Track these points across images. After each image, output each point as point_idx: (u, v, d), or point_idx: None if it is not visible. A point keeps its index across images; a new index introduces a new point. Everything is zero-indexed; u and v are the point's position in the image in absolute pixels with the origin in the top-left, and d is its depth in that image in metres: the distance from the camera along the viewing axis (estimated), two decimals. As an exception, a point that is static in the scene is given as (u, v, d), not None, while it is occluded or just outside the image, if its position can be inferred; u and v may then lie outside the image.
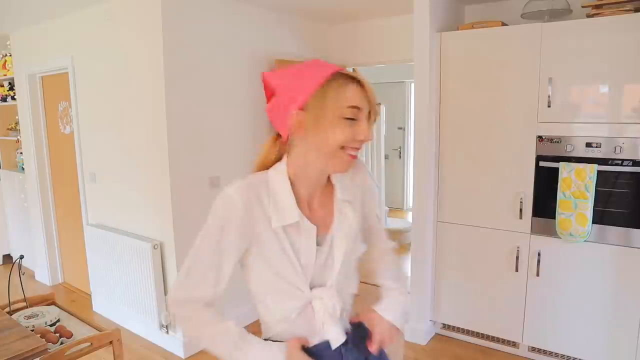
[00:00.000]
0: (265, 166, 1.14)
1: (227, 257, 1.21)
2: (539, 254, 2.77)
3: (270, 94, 1.10)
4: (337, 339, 1.12)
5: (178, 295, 1.20)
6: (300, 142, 1.07)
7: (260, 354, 1.15)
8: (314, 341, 1.14)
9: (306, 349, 1.12)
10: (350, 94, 1.02)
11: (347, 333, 1.15)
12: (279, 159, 1.14)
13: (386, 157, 6.26)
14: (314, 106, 1.01)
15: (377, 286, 1.32)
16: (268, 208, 1.08)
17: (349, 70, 1.06)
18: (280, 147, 1.14)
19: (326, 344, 1.12)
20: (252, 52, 3.35)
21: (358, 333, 1.20)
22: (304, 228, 1.09)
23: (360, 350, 1.18)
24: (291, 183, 1.10)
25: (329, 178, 1.17)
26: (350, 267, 1.18)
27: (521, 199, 2.78)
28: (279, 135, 1.12)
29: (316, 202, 1.15)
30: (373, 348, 1.17)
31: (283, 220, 1.07)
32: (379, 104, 5.54)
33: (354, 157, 1.06)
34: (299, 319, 1.13)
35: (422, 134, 3.00)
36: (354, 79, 1.03)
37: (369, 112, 1.05)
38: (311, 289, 1.12)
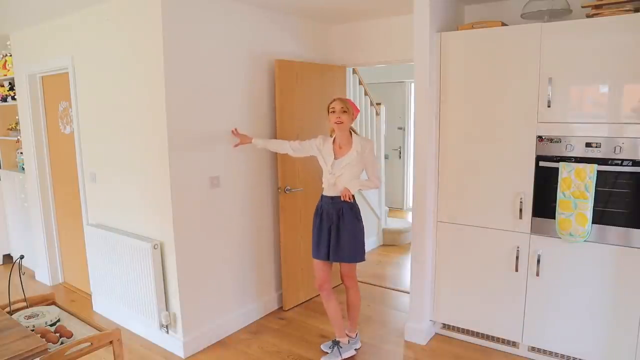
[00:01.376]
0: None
1: (309, 147, 3.04)
2: (539, 254, 2.77)
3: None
4: (328, 193, 2.90)
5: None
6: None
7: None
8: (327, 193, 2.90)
9: (322, 196, 2.94)
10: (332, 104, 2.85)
11: (332, 197, 2.88)
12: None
13: (386, 157, 6.26)
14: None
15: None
16: (325, 145, 2.95)
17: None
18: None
19: (326, 195, 2.91)
20: (252, 52, 3.35)
21: (337, 204, 2.86)
22: (330, 152, 2.91)
23: (339, 203, 2.85)
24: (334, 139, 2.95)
25: (351, 137, 2.90)
26: (346, 174, 2.83)
27: (521, 199, 2.79)
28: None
29: (342, 145, 2.90)
30: (343, 195, 2.80)
31: (325, 147, 2.95)
32: (379, 103, 5.56)
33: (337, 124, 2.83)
34: (326, 180, 2.90)
35: (422, 134, 3.00)
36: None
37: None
38: (330, 174, 2.88)
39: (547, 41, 2.60)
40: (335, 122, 2.82)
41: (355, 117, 2.93)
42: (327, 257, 2.90)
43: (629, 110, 2.45)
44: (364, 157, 2.84)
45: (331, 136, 2.96)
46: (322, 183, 2.93)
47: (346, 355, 3.00)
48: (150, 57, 2.85)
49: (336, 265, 3.00)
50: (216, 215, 3.19)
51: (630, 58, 2.39)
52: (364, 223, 2.95)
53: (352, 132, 2.91)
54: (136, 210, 3.22)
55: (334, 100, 2.87)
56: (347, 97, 4.24)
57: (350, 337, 3.07)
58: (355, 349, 3.09)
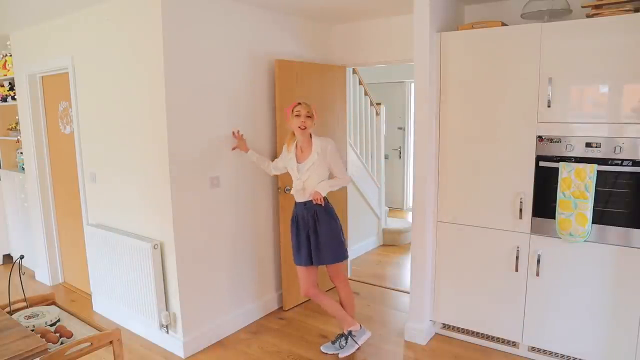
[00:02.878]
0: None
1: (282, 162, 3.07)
2: (539, 254, 2.77)
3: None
4: (298, 199, 2.94)
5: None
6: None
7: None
8: (298, 199, 2.94)
9: (296, 203, 2.95)
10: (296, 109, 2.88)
11: (308, 201, 2.88)
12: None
13: (386, 157, 6.26)
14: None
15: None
16: (288, 152, 2.98)
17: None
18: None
19: (298, 203, 2.94)
20: (252, 52, 3.35)
21: (311, 207, 2.89)
22: (292, 157, 2.94)
23: (312, 207, 2.88)
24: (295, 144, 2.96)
25: (311, 140, 2.92)
26: (312, 176, 2.87)
27: (521, 199, 2.79)
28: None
29: (303, 149, 2.93)
30: (314, 199, 2.81)
31: (289, 153, 2.97)
32: (379, 103, 5.55)
33: (301, 129, 2.87)
34: (295, 185, 2.92)
35: (422, 134, 3.00)
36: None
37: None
38: (297, 179, 2.90)
39: (547, 41, 2.60)
40: (299, 127, 2.84)
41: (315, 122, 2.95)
42: (310, 262, 2.93)
43: (629, 110, 2.45)
44: (326, 157, 2.87)
45: (290, 140, 2.97)
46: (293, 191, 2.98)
47: (362, 340, 3.06)
48: (150, 57, 2.85)
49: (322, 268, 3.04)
50: (216, 215, 3.19)
51: (630, 58, 2.39)
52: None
53: (311, 135, 2.93)
54: (136, 210, 3.22)
55: (299, 103, 2.87)
56: (347, 97, 4.24)
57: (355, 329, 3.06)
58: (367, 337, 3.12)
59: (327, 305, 3.02)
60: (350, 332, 3.03)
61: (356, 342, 3.03)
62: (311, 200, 2.84)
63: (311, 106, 2.89)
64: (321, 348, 3.11)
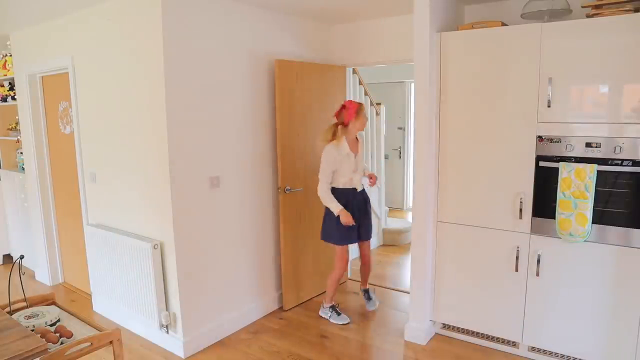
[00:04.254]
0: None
1: (331, 167, 3.30)
2: (539, 254, 2.77)
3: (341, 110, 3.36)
4: (359, 187, 3.43)
5: (322, 183, 3.30)
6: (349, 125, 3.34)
7: (336, 204, 3.29)
8: (354, 187, 3.41)
9: (344, 189, 3.39)
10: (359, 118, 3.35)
11: (357, 190, 3.42)
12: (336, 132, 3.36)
13: (386, 157, 6.26)
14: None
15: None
16: (340, 149, 3.30)
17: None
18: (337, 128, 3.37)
19: (354, 189, 3.41)
20: (252, 52, 3.35)
21: (363, 194, 3.50)
22: (349, 151, 3.34)
23: (363, 193, 3.49)
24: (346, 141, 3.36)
25: (357, 138, 3.43)
26: (362, 167, 3.45)
27: (521, 199, 2.79)
28: (340, 123, 3.34)
29: (353, 144, 3.39)
30: (372, 182, 3.50)
31: (344, 151, 3.32)
32: (379, 103, 5.55)
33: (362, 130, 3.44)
34: (353, 177, 3.39)
35: (422, 134, 3.00)
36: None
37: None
38: (354, 171, 3.38)
39: (547, 41, 2.60)
40: (361, 129, 3.36)
41: None
42: (359, 238, 3.50)
43: (629, 110, 2.45)
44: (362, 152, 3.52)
45: (333, 135, 3.31)
46: (341, 182, 3.35)
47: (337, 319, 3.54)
48: (150, 56, 2.85)
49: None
50: (216, 215, 3.19)
51: (630, 58, 2.39)
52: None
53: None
54: (136, 210, 3.22)
55: (361, 104, 3.32)
56: (347, 97, 4.24)
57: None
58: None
59: (338, 277, 3.50)
60: (367, 290, 3.78)
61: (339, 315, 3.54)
62: (362, 189, 3.45)
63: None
64: (322, 313, 3.61)
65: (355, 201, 3.37)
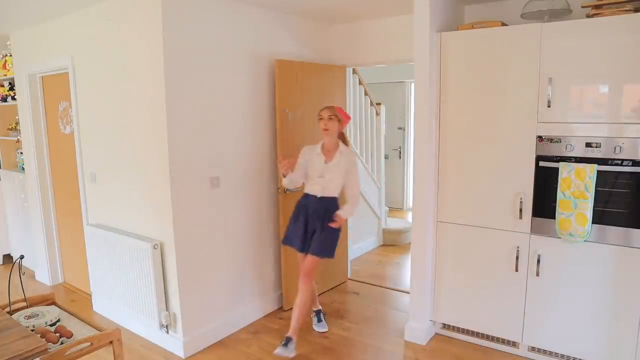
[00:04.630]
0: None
1: (300, 160, 3.10)
2: (539, 254, 2.77)
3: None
4: (318, 194, 3.03)
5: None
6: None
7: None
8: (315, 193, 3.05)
9: (305, 194, 3.10)
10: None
11: (321, 198, 3.04)
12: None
13: (386, 157, 6.26)
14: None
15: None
16: (312, 152, 3.10)
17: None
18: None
19: (314, 197, 3.04)
20: (253, 52, 3.35)
21: (325, 202, 3.05)
22: (321, 155, 3.06)
23: (319, 205, 3.04)
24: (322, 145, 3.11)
25: (337, 145, 3.07)
26: (334, 178, 3.02)
27: (521, 199, 2.79)
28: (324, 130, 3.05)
29: (330, 151, 3.06)
30: (337, 220, 3.02)
31: (315, 155, 3.07)
32: (379, 103, 5.55)
33: (324, 130, 3.05)
34: (316, 183, 3.05)
35: (422, 134, 3.00)
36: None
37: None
38: (320, 177, 3.03)
39: (547, 41, 2.60)
40: (323, 129, 3.02)
41: (345, 124, 3.12)
42: (305, 249, 3.09)
43: (629, 110, 2.45)
44: (345, 163, 3.03)
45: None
46: (307, 185, 3.11)
47: (286, 352, 2.97)
48: (150, 56, 2.85)
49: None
50: (216, 215, 3.19)
51: (630, 58, 2.39)
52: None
53: (341, 141, 3.12)
54: (136, 210, 3.22)
55: (323, 108, 3.06)
56: (347, 97, 4.24)
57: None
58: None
59: (307, 298, 3.08)
60: (319, 310, 3.47)
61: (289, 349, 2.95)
62: (328, 197, 3.04)
63: (336, 110, 3.04)
64: (278, 352, 2.98)
65: (310, 209, 3.04)
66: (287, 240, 3.17)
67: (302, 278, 3.07)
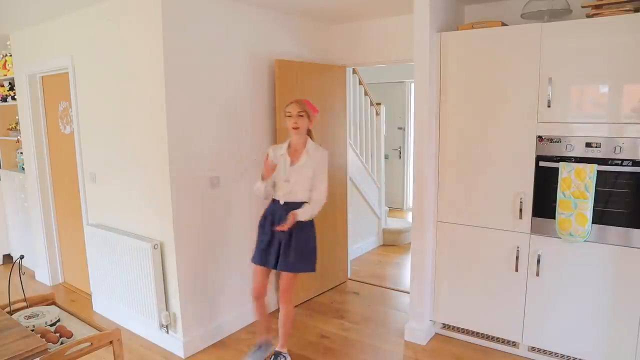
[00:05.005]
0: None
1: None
2: (539, 254, 2.77)
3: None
4: (282, 200, 2.72)
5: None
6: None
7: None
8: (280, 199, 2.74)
9: (273, 199, 2.79)
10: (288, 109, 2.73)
11: (288, 204, 2.71)
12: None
13: (386, 157, 6.26)
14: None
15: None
16: (277, 152, 2.77)
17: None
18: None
19: (278, 202, 2.75)
20: (252, 52, 3.35)
21: (291, 209, 2.67)
22: (285, 155, 2.74)
23: (284, 213, 2.67)
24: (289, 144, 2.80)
25: (305, 143, 2.77)
26: (300, 180, 2.70)
27: (521, 199, 2.79)
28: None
29: (297, 150, 2.76)
30: (288, 221, 2.62)
31: (280, 151, 2.77)
32: (379, 103, 5.54)
33: (294, 128, 2.73)
34: (282, 187, 2.73)
35: (422, 134, 3.00)
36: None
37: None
38: (286, 181, 2.71)
39: (547, 41, 2.60)
40: (292, 127, 2.71)
41: (314, 119, 2.79)
42: (275, 265, 2.73)
43: (629, 110, 2.45)
44: (314, 163, 2.71)
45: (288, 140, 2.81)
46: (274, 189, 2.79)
47: None
48: (150, 56, 2.85)
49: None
50: (216, 215, 3.19)
51: (630, 58, 2.39)
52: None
53: (310, 137, 2.80)
54: (136, 210, 3.22)
55: (290, 103, 2.73)
56: (347, 97, 4.23)
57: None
58: None
59: (291, 316, 2.84)
60: (279, 353, 2.91)
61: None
62: (295, 202, 2.69)
63: (304, 104, 2.72)
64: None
65: (276, 217, 2.72)
66: (258, 259, 2.79)
67: (281, 297, 2.78)
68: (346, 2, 3.30)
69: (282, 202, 2.72)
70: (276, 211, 2.74)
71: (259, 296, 2.85)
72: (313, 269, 2.79)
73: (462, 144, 2.96)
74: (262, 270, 2.81)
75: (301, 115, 2.69)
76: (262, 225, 2.82)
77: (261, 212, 3.58)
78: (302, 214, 2.65)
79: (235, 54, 3.22)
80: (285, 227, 2.61)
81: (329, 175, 2.76)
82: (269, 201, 2.83)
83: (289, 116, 2.71)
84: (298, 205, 2.68)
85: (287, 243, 2.69)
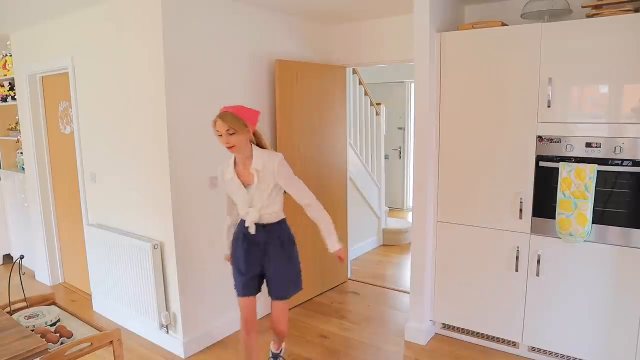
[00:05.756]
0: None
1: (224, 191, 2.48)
2: (539, 254, 2.77)
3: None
4: (252, 229, 2.35)
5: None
6: None
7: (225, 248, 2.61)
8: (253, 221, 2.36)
9: (242, 220, 2.41)
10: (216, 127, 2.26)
11: (263, 226, 2.36)
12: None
13: (386, 157, 6.26)
14: None
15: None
16: (226, 173, 2.39)
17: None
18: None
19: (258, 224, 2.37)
20: (253, 52, 3.35)
21: (265, 231, 2.38)
22: (234, 179, 2.36)
23: (273, 231, 2.40)
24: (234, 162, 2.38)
25: (252, 154, 2.33)
26: (265, 199, 2.32)
27: (521, 199, 2.79)
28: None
29: (245, 167, 2.34)
30: (343, 262, 2.45)
31: (230, 178, 2.38)
32: (379, 103, 5.54)
33: (230, 150, 2.27)
34: (249, 215, 2.35)
35: (422, 134, 3.00)
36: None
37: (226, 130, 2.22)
38: (250, 207, 2.35)
39: (547, 41, 2.60)
40: (227, 148, 2.25)
41: (254, 127, 2.33)
42: (256, 291, 2.54)
43: (629, 110, 2.45)
44: (271, 175, 2.29)
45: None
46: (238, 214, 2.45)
47: None
48: (150, 56, 2.85)
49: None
50: (216, 215, 3.19)
51: (630, 58, 2.39)
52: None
53: (254, 146, 2.34)
54: (136, 210, 3.22)
55: (217, 118, 2.24)
56: (347, 97, 4.22)
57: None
58: None
59: (256, 351, 2.59)
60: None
61: None
62: (271, 223, 2.36)
63: (235, 116, 2.23)
64: None
65: (248, 242, 2.39)
66: (240, 290, 2.52)
67: (278, 327, 2.55)
68: (346, 2, 3.30)
69: (251, 232, 2.35)
70: (251, 234, 2.37)
71: (251, 329, 2.54)
72: (300, 287, 2.56)
73: (462, 144, 2.96)
74: (251, 301, 2.52)
75: (231, 133, 2.21)
76: (236, 253, 2.47)
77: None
78: (335, 243, 2.36)
79: (236, 54, 3.22)
80: (343, 260, 2.42)
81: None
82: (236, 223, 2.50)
83: (219, 135, 2.24)
84: (274, 224, 2.38)
85: (276, 268, 2.42)
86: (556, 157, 2.65)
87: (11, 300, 2.30)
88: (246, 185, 2.34)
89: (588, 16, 2.60)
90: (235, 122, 2.22)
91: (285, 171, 2.34)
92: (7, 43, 4.38)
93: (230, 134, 2.21)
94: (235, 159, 2.36)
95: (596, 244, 2.59)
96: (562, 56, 2.57)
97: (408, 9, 3.23)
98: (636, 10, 2.44)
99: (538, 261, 2.77)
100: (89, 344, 2.05)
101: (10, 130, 4.88)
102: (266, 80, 3.49)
